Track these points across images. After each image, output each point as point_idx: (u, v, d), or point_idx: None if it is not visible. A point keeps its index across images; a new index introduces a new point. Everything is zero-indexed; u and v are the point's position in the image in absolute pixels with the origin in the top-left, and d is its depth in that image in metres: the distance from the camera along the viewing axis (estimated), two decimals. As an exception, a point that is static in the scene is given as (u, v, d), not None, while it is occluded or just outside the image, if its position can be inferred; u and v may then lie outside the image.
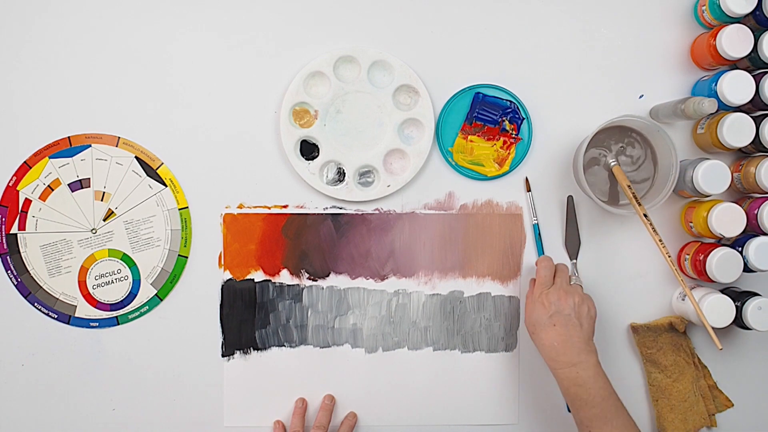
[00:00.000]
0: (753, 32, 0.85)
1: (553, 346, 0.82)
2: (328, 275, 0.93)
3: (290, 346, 0.93)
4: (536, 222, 0.92)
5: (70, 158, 0.91)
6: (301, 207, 0.92)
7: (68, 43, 0.90)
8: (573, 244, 0.93)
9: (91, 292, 0.91)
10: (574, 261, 0.93)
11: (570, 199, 0.92)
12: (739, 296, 0.88)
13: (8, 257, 0.91)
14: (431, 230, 0.93)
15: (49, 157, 0.91)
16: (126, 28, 0.91)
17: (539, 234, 0.92)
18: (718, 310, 0.87)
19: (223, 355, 0.93)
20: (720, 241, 0.91)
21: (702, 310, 0.86)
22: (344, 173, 0.92)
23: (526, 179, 0.92)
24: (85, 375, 0.92)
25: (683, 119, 0.87)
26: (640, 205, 0.86)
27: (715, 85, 0.86)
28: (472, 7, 0.92)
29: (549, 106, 0.93)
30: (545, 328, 0.83)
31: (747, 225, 0.86)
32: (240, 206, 0.92)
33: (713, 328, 0.85)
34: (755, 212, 0.87)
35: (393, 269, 0.93)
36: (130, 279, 0.92)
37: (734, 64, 0.88)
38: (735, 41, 0.85)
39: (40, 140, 0.90)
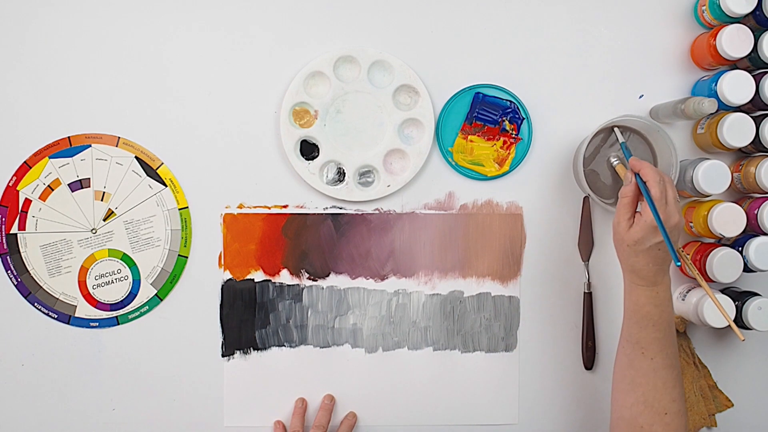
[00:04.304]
0: (753, 32, 0.85)
1: (657, 256, 0.75)
2: (328, 275, 0.93)
3: (290, 346, 0.93)
4: (623, 141, 0.86)
5: (70, 158, 0.91)
6: (301, 207, 0.92)
7: (68, 43, 0.90)
8: (586, 245, 0.93)
9: (91, 292, 0.91)
10: (586, 262, 0.92)
11: (586, 199, 0.92)
12: (739, 296, 0.88)
13: (8, 257, 0.91)
14: (431, 230, 0.93)
15: (49, 157, 0.91)
16: (126, 28, 0.91)
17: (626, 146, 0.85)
18: (718, 309, 0.86)
19: (223, 355, 0.93)
20: (720, 241, 0.91)
21: (717, 303, 0.83)
22: (344, 173, 0.92)
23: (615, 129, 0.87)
24: (85, 375, 0.92)
25: (683, 119, 0.87)
26: None
27: (715, 85, 0.86)
28: (472, 7, 0.92)
29: (549, 106, 0.93)
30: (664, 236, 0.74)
31: (747, 225, 0.86)
32: (240, 206, 0.92)
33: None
34: (755, 212, 0.87)
35: (393, 269, 0.93)
36: (130, 279, 0.92)
37: (734, 64, 0.88)
38: (735, 41, 0.85)
39: (40, 140, 0.90)
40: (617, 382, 0.80)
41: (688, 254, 0.91)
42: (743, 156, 0.91)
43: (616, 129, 0.87)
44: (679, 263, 0.74)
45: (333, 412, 0.92)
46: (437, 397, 0.93)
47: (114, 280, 0.91)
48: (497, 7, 0.92)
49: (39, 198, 0.91)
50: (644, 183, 0.77)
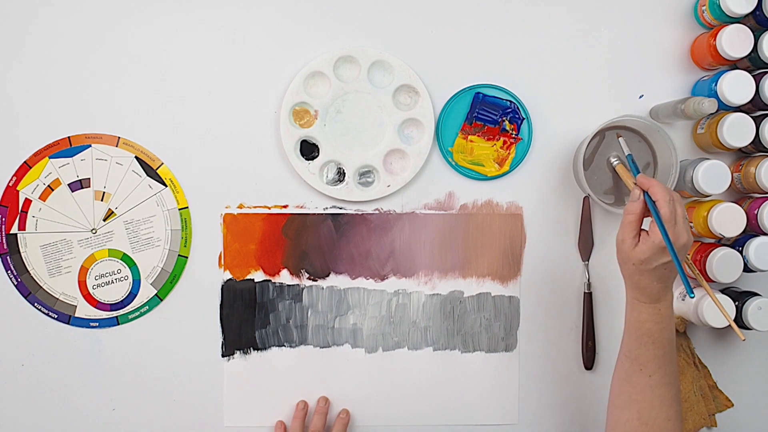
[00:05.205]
0: (753, 32, 0.85)
1: (662, 275, 0.74)
2: (328, 275, 0.93)
3: (290, 346, 0.93)
4: (629, 153, 0.83)
5: (70, 158, 0.91)
6: (301, 207, 0.92)
7: (68, 43, 0.90)
8: (586, 245, 0.93)
9: (91, 292, 0.91)
10: (586, 262, 0.92)
11: (586, 199, 0.92)
12: (739, 296, 0.88)
13: (8, 257, 0.91)
14: (431, 230, 0.93)
15: (49, 157, 0.91)
16: (126, 28, 0.91)
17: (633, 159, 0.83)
18: (718, 309, 0.86)
19: (223, 355, 0.93)
20: (720, 241, 0.91)
21: (718, 303, 0.82)
22: (344, 173, 0.92)
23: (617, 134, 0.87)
24: (85, 375, 0.92)
25: (683, 119, 0.87)
26: None
27: (715, 85, 0.86)
28: (473, 6, 0.92)
29: (549, 106, 0.93)
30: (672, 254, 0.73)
31: (747, 225, 0.86)
32: (240, 206, 0.92)
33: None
34: (755, 212, 0.87)
35: (393, 269, 0.93)
36: (130, 279, 0.92)
37: (734, 64, 0.88)
38: (735, 41, 0.85)
39: (40, 140, 0.90)
40: (614, 397, 0.78)
41: (689, 254, 0.91)
42: (743, 156, 0.91)
43: (621, 139, 0.85)
44: (693, 296, 0.73)
45: (332, 412, 0.92)
46: (437, 397, 0.93)
47: (114, 280, 0.91)
48: (497, 7, 0.92)
49: (39, 198, 0.91)
50: (653, 202, 0.74)
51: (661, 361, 0.75)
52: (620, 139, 0.85)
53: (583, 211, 0.92)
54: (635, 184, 0.77)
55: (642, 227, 0.75)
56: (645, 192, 0.76)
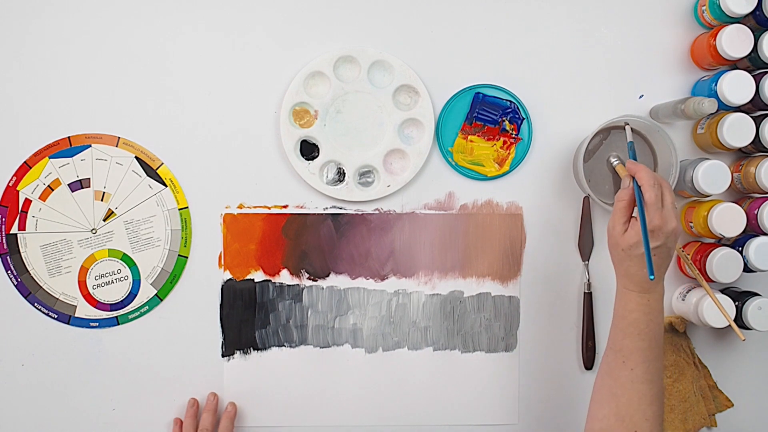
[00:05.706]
0: (753, 32, 0.85)
1: (653, 262, 0.72)
2: (328, 275, 0.93)
3: (290, 346, 0.93)
4: (631, 141, 0.84)
5: (70, 158, 0.91)
6: (301, 207, 0.92)
7: (68, 43, 0.90)
8: (586, 245, 0.93)
9: (91, 292, 0.91)
10: (586, 262, 0.92)
11: (586, 199, 0.92)
12: (739, 296, 0.88)
13: (8, 257, 0.91)
14: (431, 230, 0.93)
15: (49, 157, 0.91)
16: (126, 28, 0.91)
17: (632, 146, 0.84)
18: (718, 309, 0.87)
19: (223, 355, 0.93)
20: (720, 241, 0.91)
21: (718, 303, 0.83)
22: (344, 173, 0.92)
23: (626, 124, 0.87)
24: (85, 375, 0.92)
25: (683, 119, 0.87)
26: None
27: (715, 85, 0.86)
28: (472, 7, 0.92)
29: (549, 106, 0.93)
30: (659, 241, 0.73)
31: (747, 225, 0.86)
32: (240, 206, 0.92)
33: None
34: (755, 212, 0.87)
35: (393, 269, 0.93)
36: (130, 279, 0.92)
37: (734, 64, 0.88)
38: (735, 41, 0.85)
39: (40, 140, 0.90)
40: (595, 391, 0.77)
41: (689, 254, 0.91)
42: (743, 156, 0.91)
43: (627, 127, 0.86)
44: (653, 277, 0.71)
45: (331, 412, 0.92)
46: (437, 397, 0.93)
47: (114, 280, 0.91)
48: (497, 7, 0.92)
49: (39, 198, 0.91)
50: (639, 187, 0.75)
51: (645, 355, 0.74)
52: (627, 126, 0.86)
53: (583, 211, 0.92)
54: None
55: (633, 215, 0.76)
56: (634, 178, 0.76)
